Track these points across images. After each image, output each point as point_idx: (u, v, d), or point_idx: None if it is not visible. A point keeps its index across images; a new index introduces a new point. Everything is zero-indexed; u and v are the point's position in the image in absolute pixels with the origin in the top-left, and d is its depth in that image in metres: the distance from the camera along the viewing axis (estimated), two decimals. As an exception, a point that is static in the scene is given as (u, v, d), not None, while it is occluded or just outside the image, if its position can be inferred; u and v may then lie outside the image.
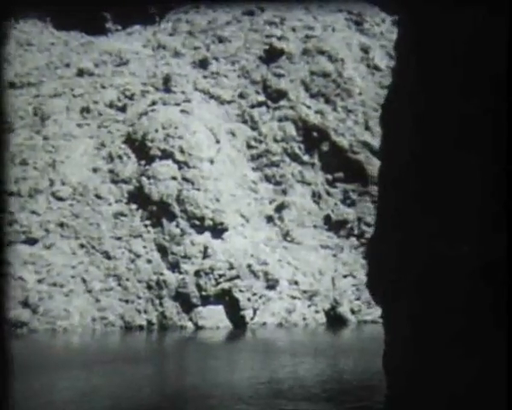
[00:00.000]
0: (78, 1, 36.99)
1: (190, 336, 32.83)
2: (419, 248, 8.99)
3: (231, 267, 33.84)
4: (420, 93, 8.90)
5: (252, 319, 33.83)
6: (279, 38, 39.35)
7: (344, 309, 35.17)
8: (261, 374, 21.84)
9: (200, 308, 33.43)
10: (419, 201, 9.04)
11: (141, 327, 33.40)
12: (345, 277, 35.70)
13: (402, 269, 9.53)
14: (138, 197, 35.21)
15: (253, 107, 37.99)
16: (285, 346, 29.66)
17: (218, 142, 36.59)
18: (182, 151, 35.57)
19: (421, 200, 9.01)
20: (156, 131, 35.97)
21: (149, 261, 34.04)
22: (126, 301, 33.67)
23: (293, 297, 34.75)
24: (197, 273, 33.65)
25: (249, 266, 34.28)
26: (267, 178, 36.78)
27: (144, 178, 35.28)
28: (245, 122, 37.64)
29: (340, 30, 39.73)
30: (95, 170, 35.83)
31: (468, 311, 8.07)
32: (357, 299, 35.67)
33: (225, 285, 33.63)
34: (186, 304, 33.50)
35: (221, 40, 39.86)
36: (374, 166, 36.74)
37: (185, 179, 35.16)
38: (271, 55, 38.94)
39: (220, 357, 26.07)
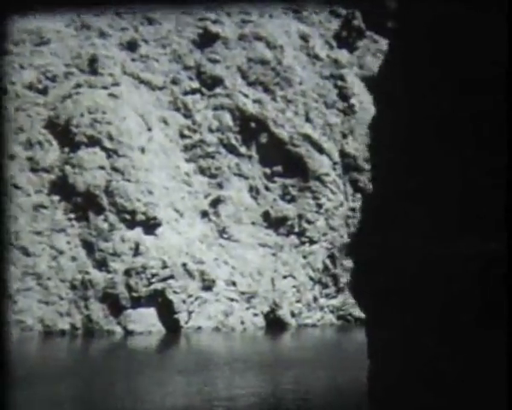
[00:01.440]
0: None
1: (119, 342, 28.45)
2: (411, 248, 8.37)
3: (165, 266, 29.45)
4: (409, 91, 8.48)
5: (186, 322, 29.55)
6: (214, 22, 35.10)
7: (284, 312, 31.20)
8: (194, 398, 17.72)
9: (130, 311, 28.95)
10: (409, 199, 8.47)
11: (63, 332, 28.71)
12: (285, 277, 31.74)
13: (392, 271, 8.64)
14: (61, 188, 30.41)
15: (186, 94, 33.64)
16: (222, 356, 26.01)
17: (149, 129, 32.11)
18: (110, 138, 30.94)
19: (412, 198, 8.47)
20: (82, 115, 31.25)
21: (74, 259, 29.31)
22: (47, 303, 28.85)
23: (231, 299, 30.59)
24: (127, 272, 29.15)
25: (184, 264, 29.96)
26: (202, 171, 32.51)
27: (68, 167, 30.52)
28: (178, 110, 33.27)
29: (278, 16, 35.74)
30: (12, 157, 30.81)
31: (463, 312, 7.60)
32: (298, 301, 31.78)
33: (158, 286, 29.23)
34: (114, 306, 28.97)
35: (150, 22, 35.33)
36: (315, 159, 32.94)
37: (114, 169, 30.56)
38: (206, 40, 34.68)
39: (150, 369, 21.91)
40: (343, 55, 35.66)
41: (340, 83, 35.04)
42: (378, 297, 9.13)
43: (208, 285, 30.44)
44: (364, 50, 35.92)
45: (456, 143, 7.79)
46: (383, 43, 35.84)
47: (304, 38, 35.91)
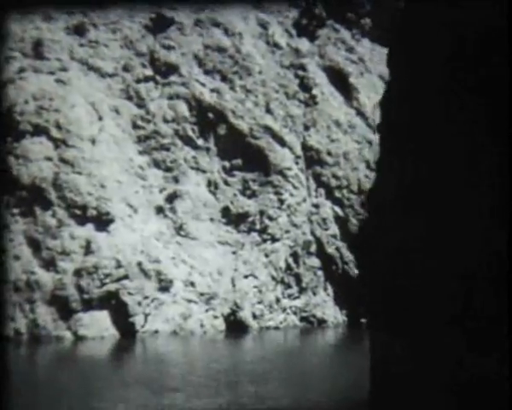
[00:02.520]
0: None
1: (68, 349, 25.32)
2: (419, 245, 7.82)
3: (119, 266, 26.31)
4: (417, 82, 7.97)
5: (142, 326, 26.48)
6: (168, 6, 31.98)
7: (245, 314, 28.32)
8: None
9: (81, 315, 25.80)
10: (414, 193, 7.92)
11: (6, 338, 25.24)
12: (246, 277, 28.87)
13: (403, 269, 8.08)
14: (4, 181, 26.87)
15: (138, 81, 30.52)
16: (179, 364, 23.29)
17: (100, 119, 28.89)
18: (58, 127, 27.63)
19: (418, 192, 7.90)
20: (26, 102, 27.86)
21: (17, 258, 25.97)
22: (-12, 307, 25.42)
23: (189, 301, 27.58)
24: (78, 273, 25.97)
25: (139, 264, 26.85)
26: (156, 164, 29.43)
27: (12, 158, 27.09)
28: (130, 98, 30.11)
29: (236, 2, 32.80)
30: (-51, 147, 27.29)
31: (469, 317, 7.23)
32: (259, 302, 28.94)
33: (111, 287, 26.12)
34: (63, 310, 25.82)
35: (100, 5, 32.03)
36: (276, 153, 30.16)
37: (63, 160, 27.27)
38: (159, 25, 31.57)
39: (101, 380, 19.54)
40: (303, 44, 32.99)
41: (301, 73, 32.32)
42: (385, 297, 8.40)
43: (165, 286, 27.38)
44: (325, 39, 33.30)
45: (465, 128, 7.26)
46: (344, 33, 33.27)
47: (263, 25, 33.11)
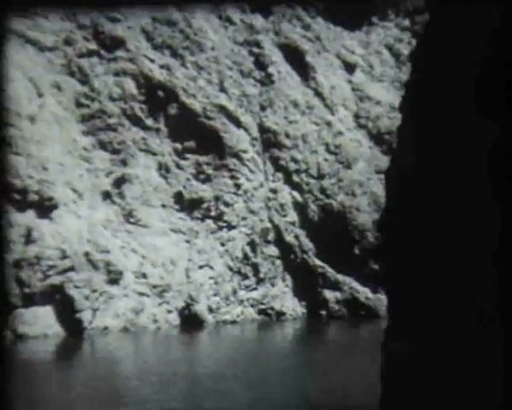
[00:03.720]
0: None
1: (7, 349, 21.58)
2: (440, 233, 7.03)
3: (63, 256, 23.15)
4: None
5: (90, 323, 23.36)
6: (113, -23, 28.66)
7: (200, 308, 25.46)
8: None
9: (22, 311, 22.58)
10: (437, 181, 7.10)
11: None
12: (201, 267, 26.01)
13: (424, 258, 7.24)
14: None
15: (81, 56, 27.19)
16: (130, 364, 21.16)
17: (40, 95, 25.51)
18: (-6, 103, 24.02)
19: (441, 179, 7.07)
20: (-42, 76, 24.14)
21: (-51, 248, 22.23)
22: None
23: (141, 294, 24.57)
24: (18, 264, 22.71)
25: (86, 254, 23.73)
26: (102, 145, 26.27)
27: None
28: (72, 74, 26.83)
29: (185, -26, 29.75)
30: None
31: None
32: (215, 294, 26.10)
33: (56, 280, 22.97)
34: (1, 305, 22.00)
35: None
36: (231, 134, 27.34)
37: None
38: (104, -3, 28.15)
39: (44, 386, 17.49)
40: (257, 19, 30.11)
41: (255, 50, 29.51)
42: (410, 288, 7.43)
43: (115, 278, 24.29)
44: (280, 16, 30.49)
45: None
46: (299, 10, 30.55)
47: (214, -1, 30.04)
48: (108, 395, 16.53)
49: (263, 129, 28.66)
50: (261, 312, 27.68)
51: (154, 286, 25.23)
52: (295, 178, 28.61)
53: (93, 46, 27.90)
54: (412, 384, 7.31)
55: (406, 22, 33.51)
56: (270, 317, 27.74)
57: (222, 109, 28.14)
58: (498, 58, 6.69)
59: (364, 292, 28.63)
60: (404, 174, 7.68)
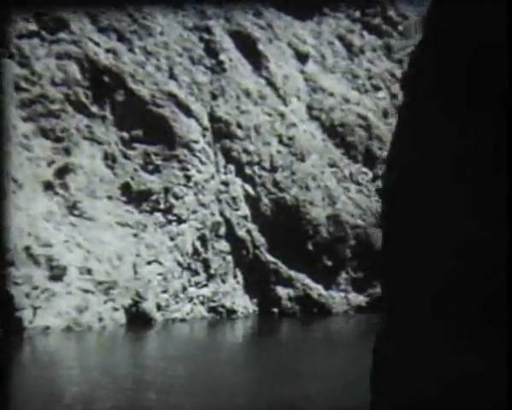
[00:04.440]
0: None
1: None
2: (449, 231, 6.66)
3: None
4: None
5: (31, 322, 21.43)
6: (55, -45, 26.64)
7: (148, 305, 23.76)
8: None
9: (-44, 310, 20.40)
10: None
11: None
12: (149, 263, 24.28)
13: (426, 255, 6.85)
14: None
15: (21, 37, 25.03)
16: (72, 368, 19.29)
17: (-24, 78, 23.30)
18: None
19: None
20: None
21: None
22: None
23: (86, 291, 22.74)
24: (-48, 259, 20.51)
25: (27, 248, 21.80)
26: (44, 133, 24.34)
27: None
28: (11, 57, 24.68)
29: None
30: None
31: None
32: (164, 292, 24.44)
33: (-6, 276, 20.83)
34: None
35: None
36: (181, 123, 25.70)
37: None
38: (46, -25, 26.14)
39: None
40: (208, 4, 28.38)
41: (206, 36, 27.79)
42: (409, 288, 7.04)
43: (58, 274, 22.39)
44: (231, 1, 28.87)
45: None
46: (251, -4, 29.00)
47: (162, -18, 28.24)
48: (45, 401, 14.96)
49: (214, 119, 27.00)
50: (211, 309, 26.06)
51: (100, 283, 23.34)
52: (247, 170, 27.06)
53: (33, 27, 25.78)
54: (406, 388, 6.86)
55: (357, 13, 32.31)
56: (221, 315, 26.16)
57: (171, 97, 26.36)
58: (494, 50, 6.42)
59: (317, 289, 27.30)
60: (405, 171, 7.20)
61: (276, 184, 27.17)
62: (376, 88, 30.73)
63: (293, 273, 26.99)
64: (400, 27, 32.64)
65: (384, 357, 7.13)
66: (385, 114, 30.25)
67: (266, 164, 27.25)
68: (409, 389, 6.77)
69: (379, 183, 28.75)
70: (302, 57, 29.92)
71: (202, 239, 25.90)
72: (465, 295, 6.49)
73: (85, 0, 25.84)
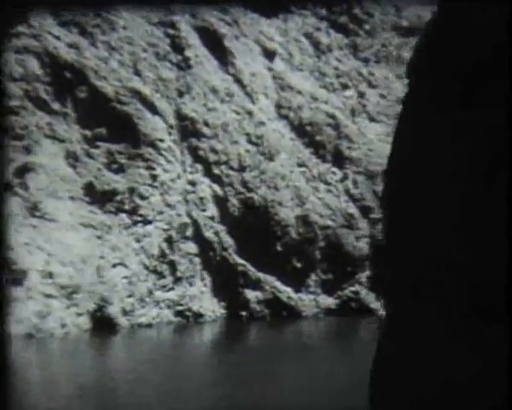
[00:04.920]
0: None
1: None
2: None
3: (-41, 254, 19.55)
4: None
5: (-10, 329, 19.71)
6: None
7: (113, 310, 22.65)
8: None
9: None
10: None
11: None
12: (114, 266, 23.19)
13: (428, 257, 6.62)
14: None
15: (-22, 31, 23.63)
16: (32, 378, 18.48)
17: None
18: None
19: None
20: None
21: None
22: None
23: (48, 296, 21.54)
24: None
25: (-15, 251, 20.14)
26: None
27: None
28: (-32, 51, 23.21)
29: None
30: None
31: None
32: (130, 296, 23.29)
33: (-50, 281, 19.29)
34: None
35: None
36: (146, 121, 24.60)
37: None
38: (4, -33, 24.76)
39: None
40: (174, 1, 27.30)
41: (171, 31, 26.65)
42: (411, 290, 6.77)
43: (18, 278, 20.98)
44: (197, -3, 27.81)
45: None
46: (217, -8, 27.95)
47: (126, -24, 27.04)
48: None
49: (180, 116, 25.90)
50: (178, 313, 24.97)
51: (62, 287, 22.10)
52: (215, 169, 26.00)
53: (-8, 20, 24.38)
54: (405, 388, 6.60)
55: (323, 11, 31.47)
56: (188, 319, 25.07)
57: (136, 94, 25.21)
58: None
59: (286, 291, 26.37)
60: (403, 171, 7.02)
61: (244, 183, 26.18)
62: (344, 86, 29.92)
63: (261, 276, 26.04)
64: (366, 26, 31.86)
65: (384, 357, 6.86)
66: (353, 113, 29.45)
67: (234, 163, 26.24)
68: (408, 390, 6.54)
69: (348, 183, 27.97)
70: (269, 54, 28.97)
71: (169, 241, 24.79)
72: (463, 292, 6.25)
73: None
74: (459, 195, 6.33)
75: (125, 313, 23.38)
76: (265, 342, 24.37)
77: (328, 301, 27.05)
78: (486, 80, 6.21)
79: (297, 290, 26.57)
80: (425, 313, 6.56)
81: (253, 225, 26.03)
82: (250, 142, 26.65)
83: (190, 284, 25.24)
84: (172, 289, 24.84)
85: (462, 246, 6.28)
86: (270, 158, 26.80)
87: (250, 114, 27.03)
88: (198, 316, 25.23)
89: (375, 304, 27.59)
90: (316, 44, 30.48)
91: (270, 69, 28.72)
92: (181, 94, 26.19)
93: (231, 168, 26.21)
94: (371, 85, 30.42)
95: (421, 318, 6.59)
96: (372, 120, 29.77)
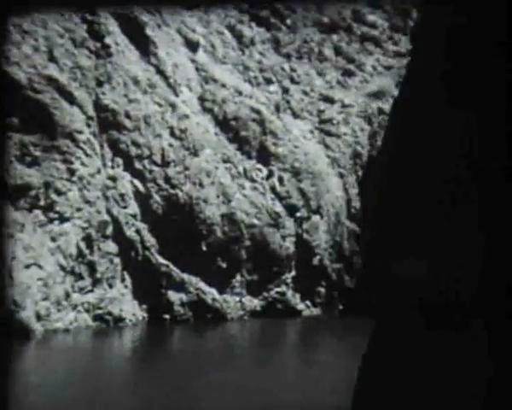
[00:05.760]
0: None
1: None
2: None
3: None
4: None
5: None
6: None
7: (27, 314, 20.63)
8: None
9: None
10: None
11: None
12: (27, 267, 21.14)
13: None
14: None
15: None
16: None
17: None
18: None
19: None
20: None
21: None
22: None
23: (-46, 300, 19.07)
24: None
25: None
26: None
27: None
28: None
29: None
30: None
31: None
32: (45, 299, 21.34)
33: None
34: None
35: None
36: (63, 111, 22.63)
37: None
38: None
39: None
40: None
41: (89, 17, 24.59)
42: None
43: None
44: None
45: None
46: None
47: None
48: None
49: (100, 107, 23.87)
50: (97, 317, 22.97)
51: (-29, 290, 19.76)
52: (137, 164, 24.11)
53: None
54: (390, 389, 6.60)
55: (245, 5, 30.07)
56: (108, 323, 23.11)
57: (52, 82, 23.05)
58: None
59: (211, 293, 24.75)
60: (393, 172, 7.13)
61: (167, 179, 24.37)
62: (268, 81, 28.52)
63: (185, 277, 24.33)
64: (288, 21, 30.58)
65: (372, 362, 6.82)
66: (277, 109, 28.07)
67: (157, 158, 24.41)
68: (394, 393, 6.54)
69: (274, 180, 26.56)
70: (192, 46, 27.27)
71: (87, 240, 22.76)
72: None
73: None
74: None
75: (39, 317, 21.22)
76: (189, 347, 22.88)
77: (254, 303, 25.59)
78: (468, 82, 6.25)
79: (222, 292, 25.00)
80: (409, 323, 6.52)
81: (177, 223, 24.30)
82: (173, 136, 24.86)
83: (110, 286, 23.31)
84: (91, 291, 22.84)
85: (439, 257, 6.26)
86: (195, 153, 25.08)
87: (173, 106, 25.23)
88: (118, 320, 23.34)
89: (301, 305, 26.31)
90: (239, 38, 28.98)
91: (193, 61, 27.00)
92: (100, 83, 24.15)
93: (154, 163, 24.36)
94: (294, 82, 29.15)
95: (410, 326, 6.54)
96: (296, 116, 28.48)
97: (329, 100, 29.02)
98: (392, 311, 7.03)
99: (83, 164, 22.94)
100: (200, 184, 24.83)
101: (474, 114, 6.36)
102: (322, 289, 26.64)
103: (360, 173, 28.15)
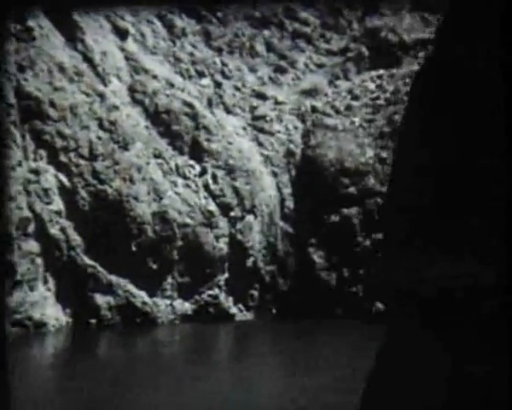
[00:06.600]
0: None
1: None
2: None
3: None
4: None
5: None
6: None
7: None
8: None
9: None
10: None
11: None
12: None
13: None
14: None
15: None
16: None
17: None
18: None
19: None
20: None
21: None
22: None
23: None
24: None
25: None
26: None
27: None
28: None
29: None
30: None
31: None
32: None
33: None
34: None
35: None
36: (-19, 98, 20.20)
37: None
38: None
39: None
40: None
41: (11, -2, 22.23)
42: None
43: None
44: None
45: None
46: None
47: None
48: None
49: (21, 95, 21.70)
50: (16, 323, 20.83)
51: None
52: (62, 157, 22.04)
53: None
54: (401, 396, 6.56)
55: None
56: (28, 328, 20.97)
57: (-31, 65, 20.65)
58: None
59: (141, 296, 22.89)
60: (418, 171, 6.93)
61: (95, 174, 22.38)
62: (200, 74, 26.80)
63: (113, 278, 22.42)
64: (219, 13, 28.94)
65: (383, 367, 6.60)
66: (210, 103, 26.38)
67: (84, 151, 22.38)
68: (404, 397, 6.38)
69: (207, 177, 24.87)
70: (121, 34, 25.30)
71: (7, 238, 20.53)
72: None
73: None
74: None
75: (-48, 323, 18.88)
76: (117, 354, 21.04)
77: (185, 307, 23.84)
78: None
79: (152, 295, 23.16)
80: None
81: (105, 221, 22.37)
82: (102, 128, 22.87)
83: (31, 289, 21.22)
84: (10, 294, 20.66)
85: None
86: (125, 147, 23.14)
87: (102, 96, 23.23)
88: (40, 325, 21.28)
89: (234, 309, 24.71)
90: (169, 28, 27.17)
91: (122, 49, 25.04)
92: (22, 69, 21.95)
93: (81, 156, 22.32)
94: (225, 76, 27.53)
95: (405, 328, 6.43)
96: (229, 112, 26.86)
97: (262, 96, 27.56)
98: (398, 321, 6.75)
99: (3, 156, 20.69)
100: (131, 180, 22.93)
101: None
102: (256, 292, 25.12)
103: (293, 172, 26.73)
